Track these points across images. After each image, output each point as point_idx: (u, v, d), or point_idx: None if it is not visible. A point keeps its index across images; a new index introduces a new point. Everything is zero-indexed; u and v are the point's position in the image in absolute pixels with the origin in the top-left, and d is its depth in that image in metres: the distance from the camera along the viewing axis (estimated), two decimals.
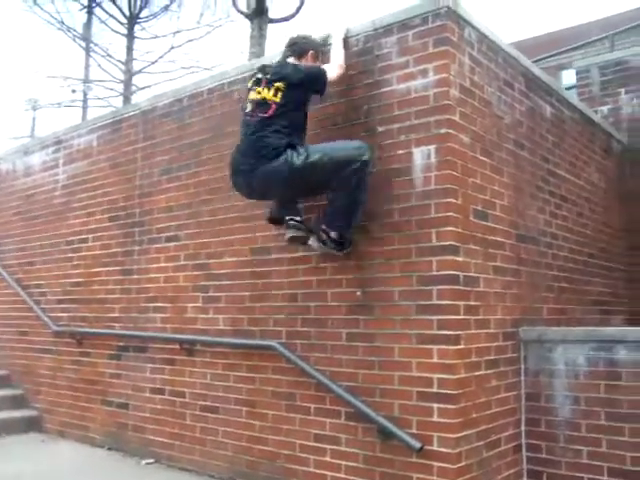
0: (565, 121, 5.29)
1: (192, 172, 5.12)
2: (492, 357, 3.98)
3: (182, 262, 5.11)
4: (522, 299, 4.38)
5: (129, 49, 19.24)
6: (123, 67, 19.00)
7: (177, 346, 5.02)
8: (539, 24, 40.67)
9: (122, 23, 19.17)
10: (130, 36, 19.18)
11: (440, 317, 3.64)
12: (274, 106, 3.84)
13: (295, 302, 4.33)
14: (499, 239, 4.14)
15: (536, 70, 4.86)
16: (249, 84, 4.11)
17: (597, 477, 3.98)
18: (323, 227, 3.96)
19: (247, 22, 12.03)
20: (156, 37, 19.34)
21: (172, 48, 19.18)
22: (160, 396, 5.16)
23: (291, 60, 4.13)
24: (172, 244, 5.20)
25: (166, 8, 19.12)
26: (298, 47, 4.19)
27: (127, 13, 19.06)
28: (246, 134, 3.96)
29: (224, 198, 4.83)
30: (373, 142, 3.96)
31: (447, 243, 3.66)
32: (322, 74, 3.97)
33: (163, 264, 5.26)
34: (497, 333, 4.06)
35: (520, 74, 4.60)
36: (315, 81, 3.96)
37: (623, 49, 8.26)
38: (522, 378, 4.29)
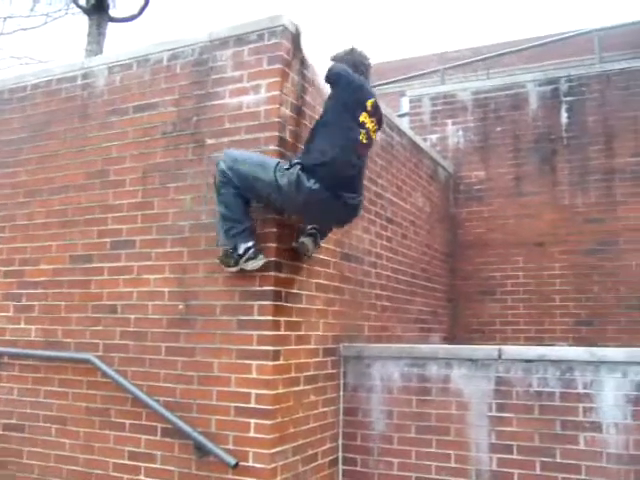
0: (394, 146, 5.56)
1: (10, 171, 4.76)
2: (312, 373, 4.05)
3: None
4: (344, 316, 4.50)
5: None
6: None
7: None
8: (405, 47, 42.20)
9: None
10: None
11: (260, 332, 3.65)
12: (369, 146, 3.79)
13: (114, 314, 4.14)
14: (323, 257, 4.23)
15: None
16: (368, 105, 3.67)
17: None
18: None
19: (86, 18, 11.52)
20: None
21: (0, 34, 17.82)
22: None
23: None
24: None
25: None
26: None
27: None
28: (358, 168, 3.67)
29: (43, 201, 4.54)
30: (201, 154, 3.91)
31: (270, 259, 3.68)
32: None
33: None
34: (317, 349, 4.14)
35: None
36: None
37: (453, 83, 8.88)
38: (341, 393, 4.41)
